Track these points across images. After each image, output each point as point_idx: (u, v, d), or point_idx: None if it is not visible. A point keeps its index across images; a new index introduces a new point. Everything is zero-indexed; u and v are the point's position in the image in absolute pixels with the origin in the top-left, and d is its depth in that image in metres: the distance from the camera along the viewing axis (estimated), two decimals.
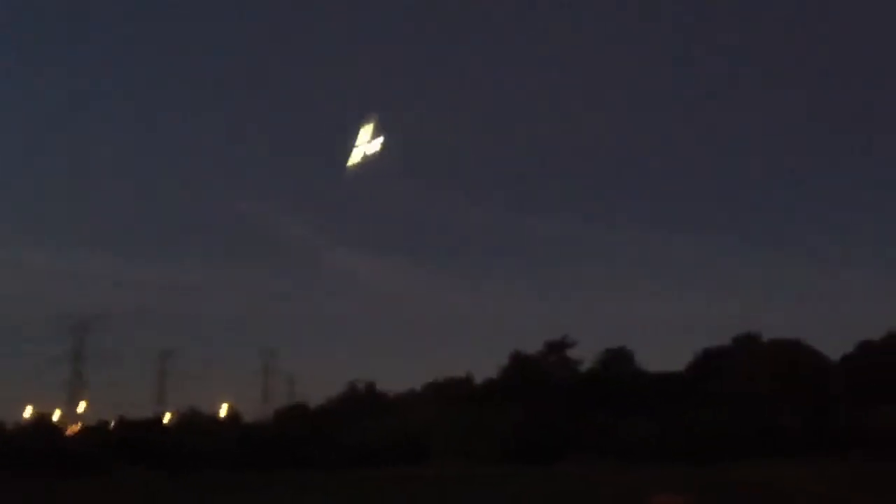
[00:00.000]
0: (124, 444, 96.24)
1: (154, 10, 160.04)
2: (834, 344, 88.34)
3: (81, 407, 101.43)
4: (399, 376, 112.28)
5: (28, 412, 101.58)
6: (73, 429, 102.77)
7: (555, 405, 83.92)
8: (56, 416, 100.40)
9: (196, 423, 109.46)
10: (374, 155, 52.83)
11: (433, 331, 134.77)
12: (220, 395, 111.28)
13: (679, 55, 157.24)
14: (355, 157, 52.32)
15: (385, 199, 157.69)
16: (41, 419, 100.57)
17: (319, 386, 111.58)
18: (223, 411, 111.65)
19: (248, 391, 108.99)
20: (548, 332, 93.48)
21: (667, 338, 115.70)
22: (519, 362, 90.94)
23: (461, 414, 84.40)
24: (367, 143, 51.83)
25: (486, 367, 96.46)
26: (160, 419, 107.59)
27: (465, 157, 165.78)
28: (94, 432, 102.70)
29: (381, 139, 52.43)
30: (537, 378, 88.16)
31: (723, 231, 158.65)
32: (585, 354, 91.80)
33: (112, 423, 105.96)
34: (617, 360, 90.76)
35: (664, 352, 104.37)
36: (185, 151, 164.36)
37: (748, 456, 68.12)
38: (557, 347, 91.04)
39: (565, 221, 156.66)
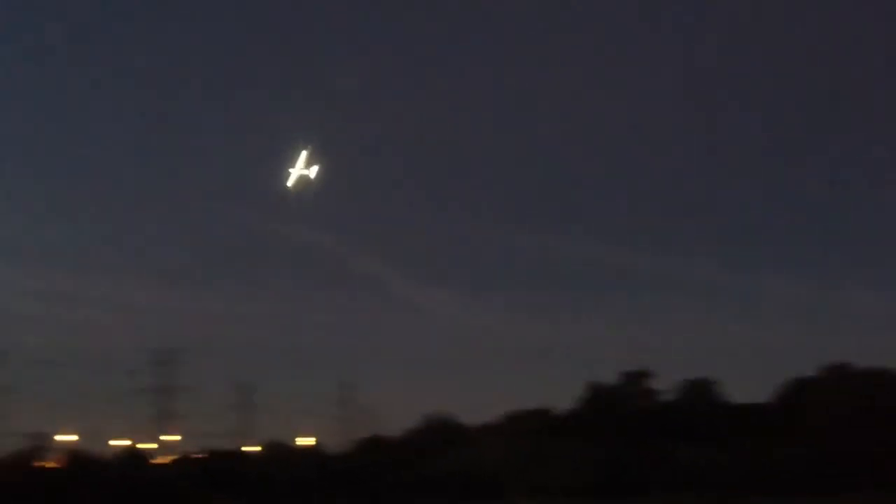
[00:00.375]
0: (210, 474, 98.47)
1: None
2: None
3: (168, 438, 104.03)
4: (475, 408, 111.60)
5: (118, 443, 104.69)
6: (162, 459, 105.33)
7: (634, 437, 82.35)
8: (144, 446, 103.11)
9: (278, 454, 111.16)
10: (311, 181, 55.62)
11: (509, 362, 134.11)
12: (300, 426, 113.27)
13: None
14: (291, 181, 54.94)
15: (454, 230, 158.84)
16: (130, 449, 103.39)
17: (397, 417, 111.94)
18: (304, 441, 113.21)
19: (327, 422, 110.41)
20: (629, 362, 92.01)
21: (754, 367, 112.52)
22: (597, 393, 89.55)
23: (538, 446, 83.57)
24: (303, 169, 54.63)
25: (563, 398, 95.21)
26: (244, 449, 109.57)
27: (536, 189, 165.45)
28: (181, 462, 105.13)
29: (316, 167, 55.91)
30: (616, 409, 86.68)
31: (811, 261, 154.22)
32: (667, 384, 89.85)
33: (197, 454, 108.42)
34: (700, 390, 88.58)
35: (750, 382, 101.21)
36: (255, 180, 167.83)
37: (834, 489, 65.67)
38: (637, 377, 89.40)
39: (646, 253, 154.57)
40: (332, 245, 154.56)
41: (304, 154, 54.62)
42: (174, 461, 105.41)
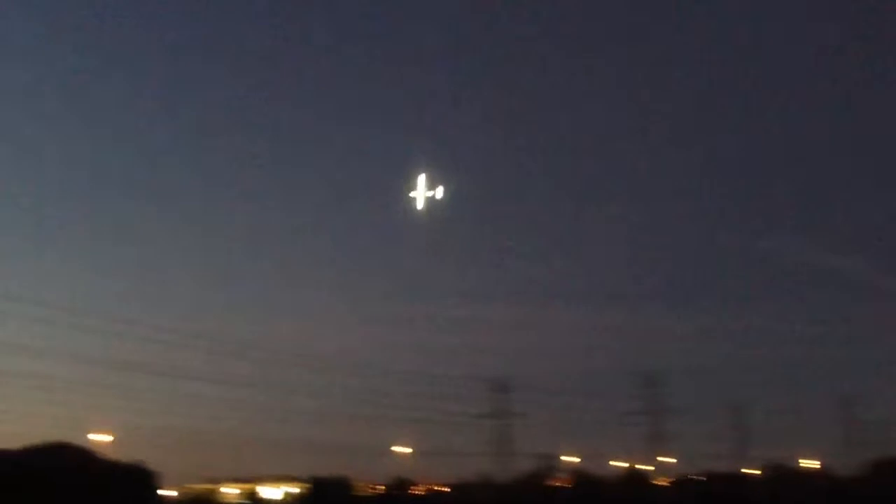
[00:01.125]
0: (709, 497, 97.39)
1: None
2: None
3: (665, 459, 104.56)
4: None
5: (617, 464, 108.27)
6: (660, 481, 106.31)
7: None
8: (642, 467, 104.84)
9: (780, 477, 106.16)
10: (439, 202, 55.53)
11: None
12: (803, 447, 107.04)
13: None
14: (418, 204, 55.21)
15: None
16: (629, 471, 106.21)
17: None
18: (808, 464, 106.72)
19: (832, 443, 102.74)
20: None
21: None
22: None
23: None
24: (427, 191, 54.85)
25: None
26: (743, 472, 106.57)
27: None
28: (679, 484, 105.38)
29: (441, 188, 55.40)
30: None
31: None
32: None
33: (695, 476, 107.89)
34: None
35: None
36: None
37: None
38: None
39: None
40: (810, 253, 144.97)
41: (424, 175, 55.38)
42: (672, 483, 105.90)
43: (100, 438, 72.98)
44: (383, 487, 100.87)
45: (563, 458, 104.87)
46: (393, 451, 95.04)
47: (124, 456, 74.07)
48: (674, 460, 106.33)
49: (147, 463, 76.58)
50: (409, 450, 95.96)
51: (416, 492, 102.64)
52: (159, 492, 79.07)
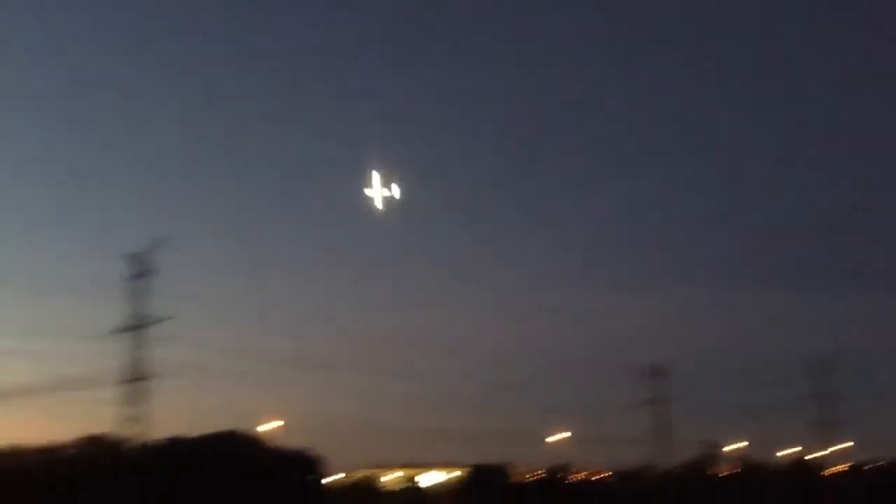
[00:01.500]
0: (888, 485, 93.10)
1: None
2: None
3: (840, 446, 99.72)
4: None
5: (787, 451, 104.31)
6: (837, 468, 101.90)
7: None
8: (815, 455, 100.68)
9: None
10: (396, 200, 54.39)
11: None
12: None
13: None
14: (375, 204, 54.31)
15: None
16: (798, 458, 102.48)
17: None
18: None
19: None
20: None
21: None
22: None
23: None
24: (382, 190, 53.56)
25: None
26: None
27: None
28: (854, 472, 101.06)
29: (396, 186, 54.06)
30: None
31: None
32: None
33: (872, 463, 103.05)
34: None
35: None
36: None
37: None
38: None
39: None
40: None
41: (378, 175, 53.99)
42: (848, 470, 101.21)
43: (269, 427, 76.59)
44: (543, 473, 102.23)
45: (729, 445, 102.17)
46: (553, 439, 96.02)
47: (295, 443, 78.50)
48: (850, 444, 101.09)
49: (314, 450, 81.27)
50: (568, 435, 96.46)
51: (576, 478, 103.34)
52: (325, 479, 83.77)
